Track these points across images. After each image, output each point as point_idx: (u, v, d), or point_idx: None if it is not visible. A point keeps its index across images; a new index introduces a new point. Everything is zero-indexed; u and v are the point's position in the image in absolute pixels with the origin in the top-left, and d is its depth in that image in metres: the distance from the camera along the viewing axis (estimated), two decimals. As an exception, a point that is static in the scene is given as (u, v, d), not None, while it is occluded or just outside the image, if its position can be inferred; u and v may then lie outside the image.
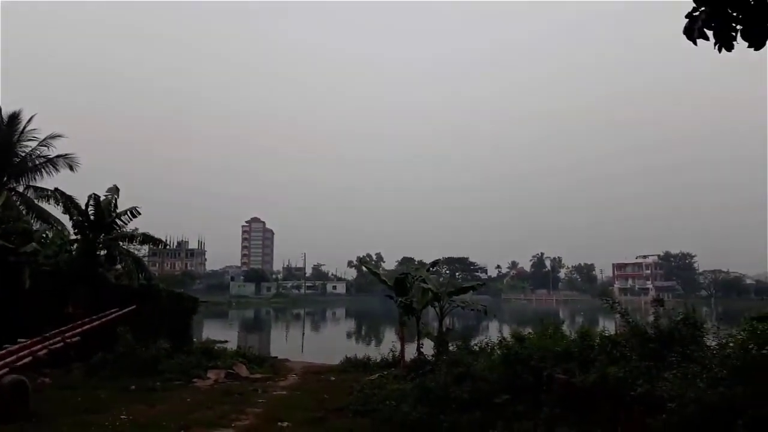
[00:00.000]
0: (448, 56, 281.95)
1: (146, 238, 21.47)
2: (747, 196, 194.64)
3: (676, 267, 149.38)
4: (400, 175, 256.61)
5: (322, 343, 40.80)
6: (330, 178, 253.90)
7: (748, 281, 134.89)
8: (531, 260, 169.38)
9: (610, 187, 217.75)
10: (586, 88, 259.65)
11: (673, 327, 8.33)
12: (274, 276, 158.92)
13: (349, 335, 48.37)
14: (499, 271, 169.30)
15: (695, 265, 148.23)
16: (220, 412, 11.60)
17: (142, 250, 24.20)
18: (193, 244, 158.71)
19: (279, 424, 10.55)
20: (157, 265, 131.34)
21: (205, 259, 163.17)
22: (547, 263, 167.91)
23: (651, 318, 8.98)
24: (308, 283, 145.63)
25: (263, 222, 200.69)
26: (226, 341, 25.61)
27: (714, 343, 7.66)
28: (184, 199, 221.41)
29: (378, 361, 20.03)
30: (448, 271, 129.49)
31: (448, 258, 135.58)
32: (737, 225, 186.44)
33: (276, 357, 22.81)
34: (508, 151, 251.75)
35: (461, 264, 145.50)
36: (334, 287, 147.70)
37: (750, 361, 5.75)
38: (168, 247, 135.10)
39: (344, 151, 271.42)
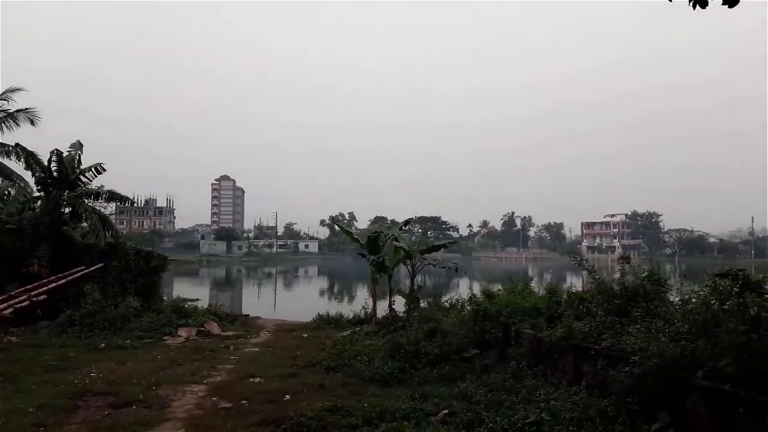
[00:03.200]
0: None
1: (112, 196, 20.98)
2: (712, 159, 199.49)
3: (642, 226, 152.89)
4: (374, 138, 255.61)
5: (295, 301, 40.95)
6: (302, 139, 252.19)
7: (712, 240, 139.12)
8: (502, 219, 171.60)
9: (580, 147, 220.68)
10: (548, 59, 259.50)
11: (638, 284, 8.51)
12: (245, 235, 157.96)
13: (321, 293, 48.60)
14: (471, 230, 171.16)
15: (661, 224, 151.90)
16: (192, 368, 11.61)
17: (109, 208, 23.62)
18: (161, 203, 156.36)
19: (251, 379, 10.61)
20: (125, 223, 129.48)
21: (174, 218, 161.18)
22: (518, 222, 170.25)
23: (617, 275, 9.16)
24: (280, 242, 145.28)
25: (233, 180, 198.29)
26: (198, 300, 25.46)
27: (677, 299, 7.86)
28: (154, 157, 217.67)
29: (350, 318, 20.22)
30: (420, 230, 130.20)
31: (421, 217, 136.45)
32: (702, 187, 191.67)
33: (248, 315, 22.80)
34: (482, 113, 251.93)
35: (433, 223, 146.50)
36: (307, 246, 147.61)
37: (711, 316, 5.91)
38: (135, 205, 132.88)
39: (317, 113, 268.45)
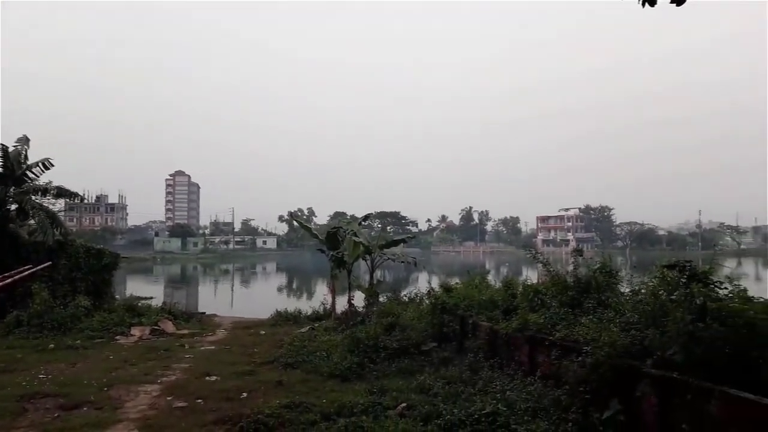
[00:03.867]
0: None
1: (61, 192, 20.24)
2: (660, 155, 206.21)
3: (595, 219, 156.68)
4: (333, 132, 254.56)
5: (252, 298, 40.47)
6: (257, 134, 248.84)
7: (661, 232, 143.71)
8: (460, 214, 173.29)
9: (534, 142, 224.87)
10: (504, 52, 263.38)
11: (591, 276, 8.72)
12: (200, 231, 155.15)
13: (280, 290, 48.12)
14: (430, 225, 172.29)
15: (613, 217, 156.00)
16: (145, 368, 11.35)
17: (57, 205, 22.76)
18: (113, 199, 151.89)
19: (207, 378, 10.43)
20: (75, 220, 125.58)
21: (127, 214, 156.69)
22: (475, 216, 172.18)
23: (571, 268, 9.36)
24: (237, 239, 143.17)
25: (188, 175, 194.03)
26: (152, 298, 24.93)
27: (628, 291, 8.09)
28: (104, 153, 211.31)
29: (309, 314, 20.09)
30: (379, 225, 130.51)
31: (380, 212, 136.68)
32: (653, 181, 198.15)
33: (204, 313, 22.44)
34: (440, 109, 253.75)
35: (393, 218, 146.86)
36: (265, 242, 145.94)
37: (660, 306, 6.10)
38: (86, 201, 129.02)
39: (272, 107, 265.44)
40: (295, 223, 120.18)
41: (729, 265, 7.52)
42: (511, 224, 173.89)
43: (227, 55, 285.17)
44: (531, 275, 14.83)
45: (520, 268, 53.51)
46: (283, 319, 19.64)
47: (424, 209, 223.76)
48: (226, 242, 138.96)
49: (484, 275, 14.00)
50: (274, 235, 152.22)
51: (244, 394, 9.07)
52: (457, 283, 13.79)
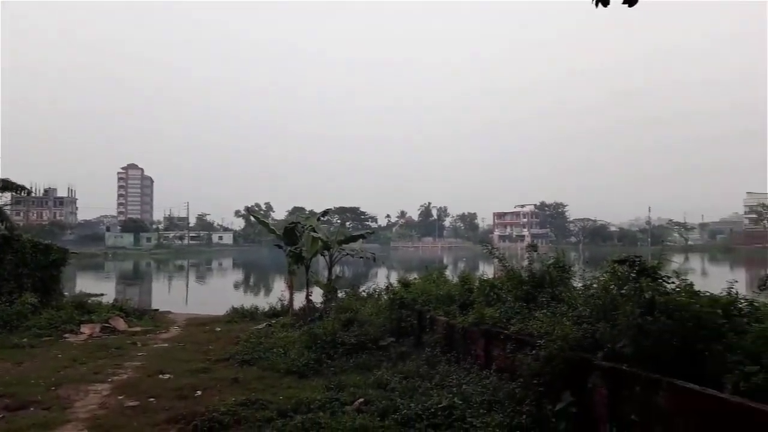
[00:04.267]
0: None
1: (6, 185, 19.47)
2: (613, 152, 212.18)
3: (550, 216, 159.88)
4: (293, 129, 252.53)
5: (208, 295, 39.74)
6: (214, 128, 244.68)
7: (613, 229, 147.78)
8: (419, 210, 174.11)
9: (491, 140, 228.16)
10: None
11: (545, 271, 8.89)
12: (154, 226, 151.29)
13: (236, 286, 47.44)
14: (389, 220, 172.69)
15: (567, 214, 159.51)
16: (96, 367, 11.05)
17: (3, 198, 21.86)
18: (62, 192, 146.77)
19: (160, 376, 10.21)
20: (22, 214, 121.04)
21: (77, 209, 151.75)
22: (434, 212, 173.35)
23: (526, 263, 9.52)
24: (192, 234, 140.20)
25: (141, 169, 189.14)
26: (102, 294, 24.22)
27: (580, 285, 8.28)
28: (53, 144, 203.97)
29: (266, 310, 19.90)
30: (339, 221, 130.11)
31: (340, 207, 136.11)
32: (605, 178, 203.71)
33: (157, 309, 21.93)
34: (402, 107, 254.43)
35: (352, 213, 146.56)
36: (221, 237, 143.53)
37: (610, 300, 6.26)
38: (33, 195, 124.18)
39: (227, 99, 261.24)
40: (252, 218, 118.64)
41: (676, 261, 7.76)
42: (468, 220, 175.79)
43: (186, 45, 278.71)
44: (487, 270, 15.06)
45: (477, 263, 54.18)
46: (239, 315, 19.37)
47: (383, 205, 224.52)
48: (181, 237, 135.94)
49: (441, 270, 14.10)
50: (231, 230, 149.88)
51: (199, 392, 8.92)
52: (415, 279, 13.87)
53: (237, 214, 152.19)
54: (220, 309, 21.01)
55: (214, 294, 39.54)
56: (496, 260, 10.37)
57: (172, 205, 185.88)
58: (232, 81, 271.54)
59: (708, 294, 5.64)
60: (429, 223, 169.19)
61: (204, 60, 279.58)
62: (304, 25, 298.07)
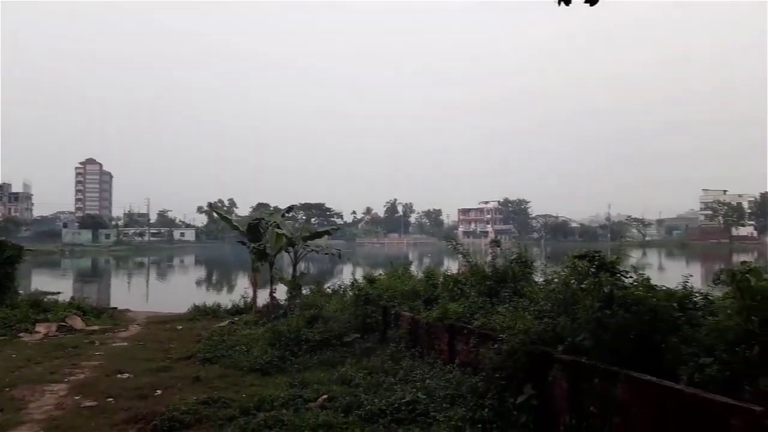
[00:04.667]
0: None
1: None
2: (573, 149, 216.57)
3: (513, 212, 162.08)
4: (257, 124, 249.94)
5: (169, 292, 39.08)
6: (175, 124, 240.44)
7: (574, 225, 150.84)
8: (385, 206, 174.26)
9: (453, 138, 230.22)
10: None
11: (508, 266, 9.02)
12: (113, 223, 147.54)
13: (198, 283, 46.65)
14: (355, 217, 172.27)
15: (529, 210, 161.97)
16: (52, 366, 10.76)
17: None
18: (17, 188, 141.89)
19: (119, 375, 9.98)
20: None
21: (33, 204, 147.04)
22: (400, 209, 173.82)
23: (489, 258, 9.62)
24: (153, 230, 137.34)
25: (100, 164, 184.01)
26: (59, 293, 23.50)
27: (542, 280, 8.41)
28: (5, 138, 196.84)
29: (229, 308, 19.67)
30: (303, 217, 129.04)
31: (305, 204, 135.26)
32: (566, 173, 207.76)
33: (116, 308, 21.47)
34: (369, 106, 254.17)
35: (317, 209, 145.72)
36: (182, 234, 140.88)
37: (571, 294, 6.37)
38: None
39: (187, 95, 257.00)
40: (214, 214, 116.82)
41: (634, 256, 7.97)
42: (433, 216, 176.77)
43: (146, 40, 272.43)
44: (452, 266, 15.15)
45: (442, 258, 54.58)
46: (201, 313, 19.10)
47: (349, 201, 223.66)
48: (141, 234, 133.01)
49: (407, 266, 14.17)
50: (193, 227, 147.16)
51: (159, 392, 8.76)
52: (380, 275, 13.88)
53: (199, 210, 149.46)
54: (181, 307, 20.64)
55: (176, 292, 38.88)
56: (460, 256, 10.47)
57: (132, 201, 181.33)
58: (197, 82, 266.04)
59: (664, 288, 5.79)
60: (395, 220, 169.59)
61: (169, 59, 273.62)
62: (269, 31, 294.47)
